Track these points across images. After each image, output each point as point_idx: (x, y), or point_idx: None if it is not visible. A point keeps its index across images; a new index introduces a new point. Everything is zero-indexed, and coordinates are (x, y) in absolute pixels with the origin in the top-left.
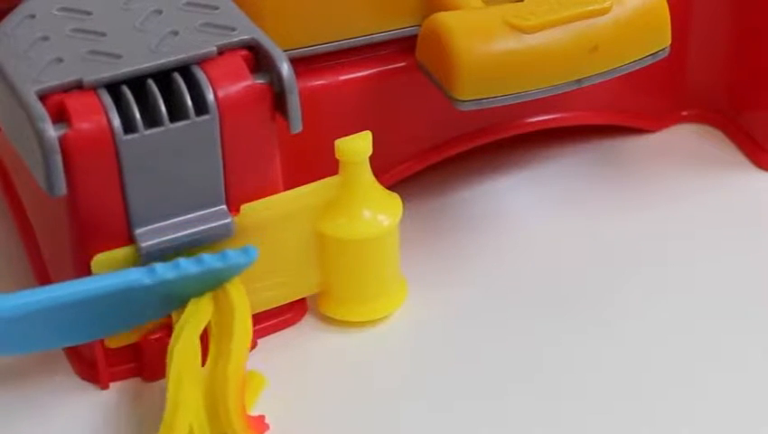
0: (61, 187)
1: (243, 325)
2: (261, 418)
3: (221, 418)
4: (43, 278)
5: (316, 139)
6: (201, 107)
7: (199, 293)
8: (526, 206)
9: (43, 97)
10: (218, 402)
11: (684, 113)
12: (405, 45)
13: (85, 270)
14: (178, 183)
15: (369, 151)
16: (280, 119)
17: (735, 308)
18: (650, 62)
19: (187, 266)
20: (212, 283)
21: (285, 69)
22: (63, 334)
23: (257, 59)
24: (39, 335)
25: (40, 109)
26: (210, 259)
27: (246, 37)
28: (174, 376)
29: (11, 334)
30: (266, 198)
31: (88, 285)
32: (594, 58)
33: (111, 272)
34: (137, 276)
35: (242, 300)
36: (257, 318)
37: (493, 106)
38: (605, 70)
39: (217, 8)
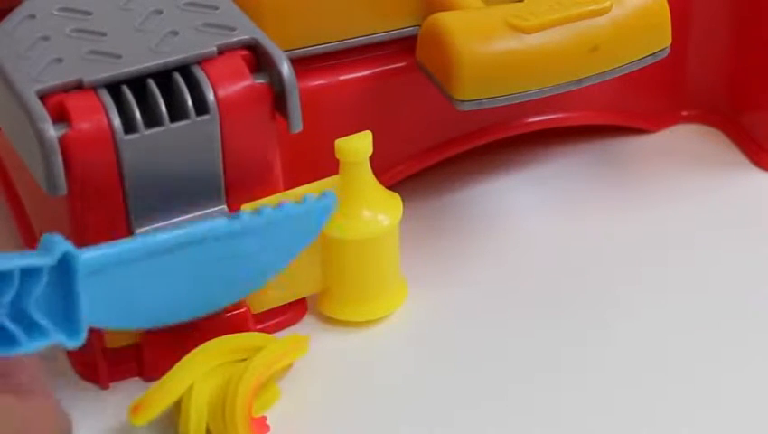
0: (62, 187)
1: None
2: (262, 419)
3: (226, 416)
4: None
5: (316, 139)
6: (201, 107)
7: (287, 253)
8: (526, 206)
9: (43, 97)
10: (226, 399)
11: (684, 113)
12: (405, 45)
13: None
14: (178, 183)
15: (370, 151)
16: (280, 119)
17: (735, 308)
18: (650, 62)
19: (270, 212)
20: (299, 237)
21: (286, 69)
22: (165, 303)
23: (257, 59)
24: (139, 303)
25: (40, 109)
26: (290, 206)
27: (246, 37)
28: (199, 349)
29: (104, 297)
30: (266, 198)
31: (172, 233)
32: (594, 58)
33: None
34: (223, 222)
35: None
36: (258, 318)
37: (493, 106)
38: (605, 70)
39: (217, 8)
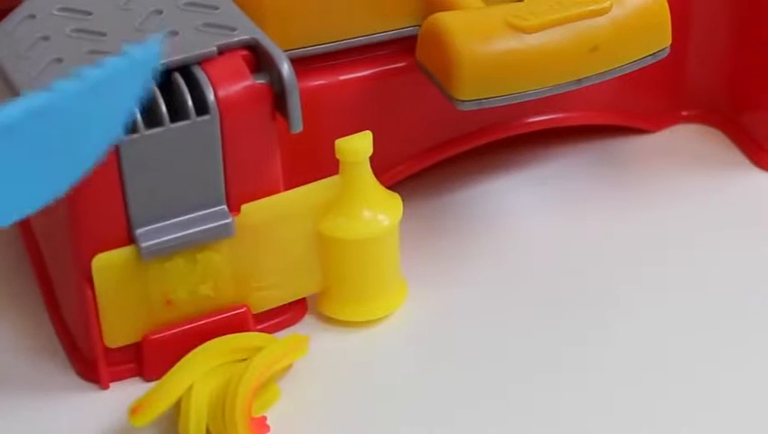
0: None
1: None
2: (262, 419)
3: (226, 416)
4: (44, 279)
5: (316, 139)
6: (201, 107)
7: (122, 111)
8: (526, 206)
9: None
10: (226, 399)
11: (684, 113)
12: (405, 45)
13: (85, 270)
14: (178, 183)
15: (370, 151)
16: (280, 119)
17: (735, 308)
18: (650, 62)
19: (92, 73)
20: (128, 95)
21: (286, 69)
22: (3, 197)
23: (258, 59)
24: None
25: None
26: (111, 62)
27: (246, 37)
28: (199, 349)
29: None
30: (266, 198)
31: None
32: (594, 58)
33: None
34: (37, 96)
35: None
36: (258, 318)
37: (493, 106)
38: (605, 70)
39: (217, 8)
